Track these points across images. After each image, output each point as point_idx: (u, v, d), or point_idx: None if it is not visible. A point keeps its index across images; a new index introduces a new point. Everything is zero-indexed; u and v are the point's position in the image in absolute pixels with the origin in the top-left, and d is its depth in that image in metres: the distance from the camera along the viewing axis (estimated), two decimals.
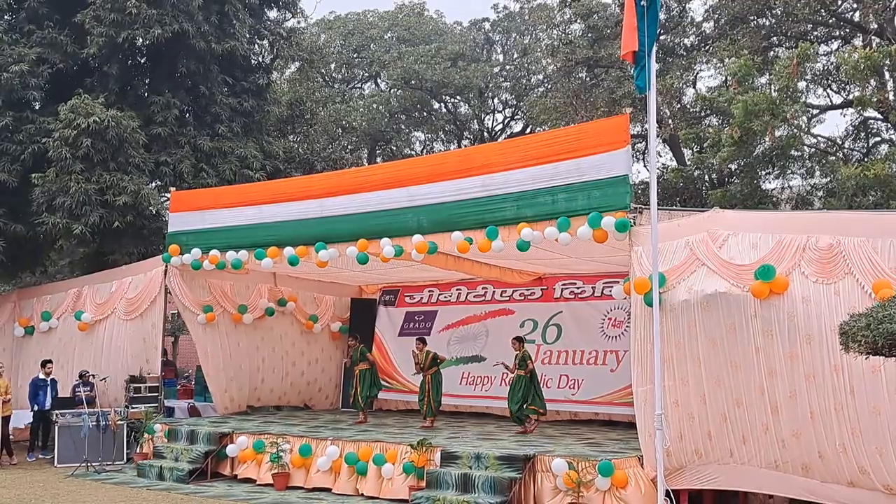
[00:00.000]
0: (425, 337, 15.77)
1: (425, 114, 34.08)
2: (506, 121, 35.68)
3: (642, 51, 8.88)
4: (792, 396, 9.04)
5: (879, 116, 21.35)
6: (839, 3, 21.89)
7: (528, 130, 32.53)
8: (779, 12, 22.26)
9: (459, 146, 34.00)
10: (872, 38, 21.09)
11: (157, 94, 19.92)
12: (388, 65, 32.24)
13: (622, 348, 14.66)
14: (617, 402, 14.62)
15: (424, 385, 14.49)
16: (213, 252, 14.91)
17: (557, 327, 16.19)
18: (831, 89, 23.15)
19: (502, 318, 16.97)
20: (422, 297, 18.49)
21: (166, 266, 15.77)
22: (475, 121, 35.26)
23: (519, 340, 13.90)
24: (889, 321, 6.30)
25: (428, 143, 35.67)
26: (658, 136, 24.45)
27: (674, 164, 25.87)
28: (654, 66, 8.72)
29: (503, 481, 10.39)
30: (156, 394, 15.72)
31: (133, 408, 15.26)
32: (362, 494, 11.79)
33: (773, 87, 19.72)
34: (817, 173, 21.42)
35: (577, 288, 16.24)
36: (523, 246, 11.60)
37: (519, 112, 34.57)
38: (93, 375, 15.61)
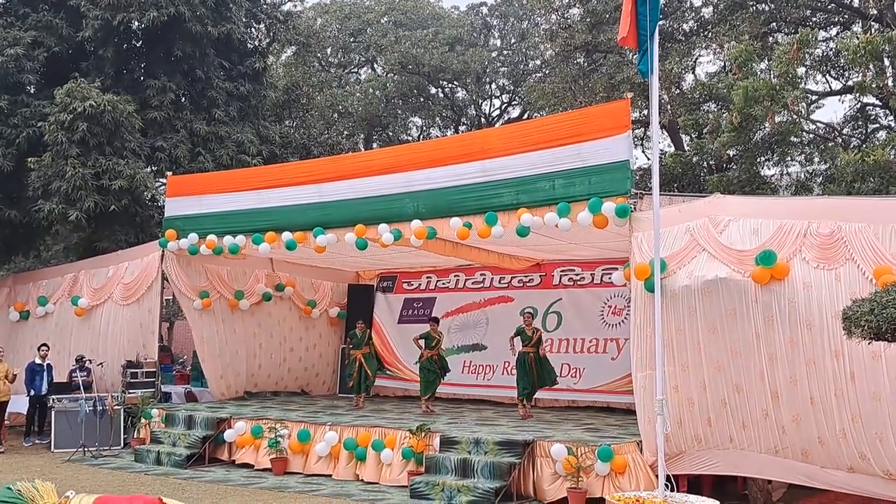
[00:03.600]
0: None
1: (422, 99, 33.93)
2: (503, 106, 35.56)
3: (644, 34, 8.84)
4: (792, 382, 9.07)
5: (878, 103, 21.33)
6: None
7: (526, 116, 32.40)
8: None
9: (456, 132, 33.89)
10: (872, 23, 21.05)
11: (153, 77, 19.86)
12: (385, 49, 32.09)
13: (622, 336, 14.69)
14: (617, 390, 14.66)
15: (433, 364, 14.54)
16: (210, 237, 14.88)
17: (557, 315, 16.21)
18: (830, 75, 23.11)
19: (502, 306, 17.01)
20: (420, 284, 18.49)
21: (163, 251, 15.75)
22: (472, 106, 35.13)
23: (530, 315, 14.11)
24: (893, 306, 6.31)
25: (425, 128, 35.55)
26: (658, 122, 24.35)
27: (672, 149, 25.81)
28: (657, 50, 8.68)
29: (502, 466, 10.42)
30: (152, 379, 15.73)
31: (130, 393, 15.26)
32: (362, 480, 11.82)
33: (772, 72, 19.66)
34: (816, 159, 21.39)
35: (576, 274, 16.26)
36: (523, 231, 11.60)
37: (516, 97, 34.42)
38: (89, 360, 15.60)
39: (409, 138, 34.35)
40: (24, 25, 19.10)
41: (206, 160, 19.74)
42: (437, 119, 35.03)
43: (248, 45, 22.79)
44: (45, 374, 15.35)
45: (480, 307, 17.41)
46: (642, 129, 26.02)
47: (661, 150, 25.86)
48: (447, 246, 13.90)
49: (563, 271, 16.48)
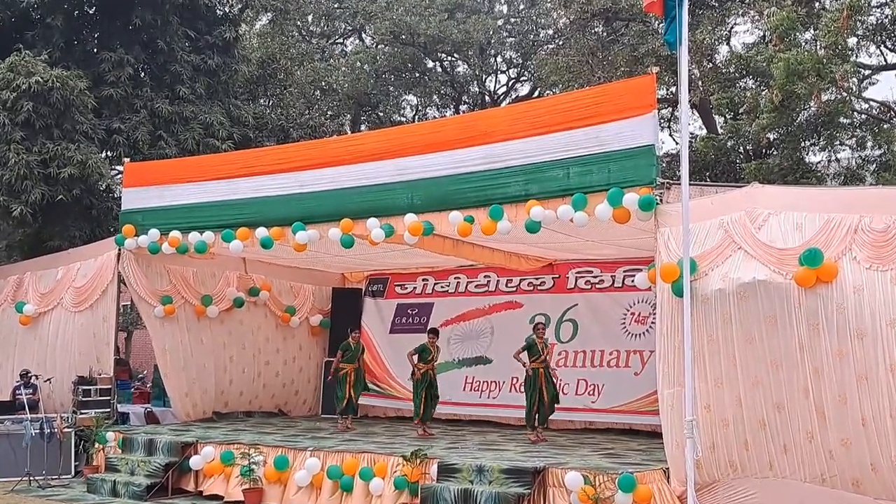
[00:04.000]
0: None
1: (417, 74, 33.95)
2: (510, 82, 35.61)
3: (672, 0, 8.85)
4: (841, 400, 9.07)
5: None
6: None
7: (537, 94, 32.44)
8: None
9: (457, 111, 33.93)
10: None
11: (107, 49, 19.85)
12: (375, 16, 32.08)
13: (647, 348, 14.66)
14: (641, 410, 14.66)
15: (427, 381, 14.56)
16: (174, 233, 14.88)
17: (573, 323, 16.20)
18: (885, 46, 23.14)
19: (509, 313, 17.01)
20: (415, 287, 18.50)
21: (120, 249, 15.74)
22: (475, 82, 35.17)
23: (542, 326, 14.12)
24: None
25: (420, 108, 35.59)
26: (687, 101, 24.43)
27: (704, 132, 25.90)
28: (686, 18, 8.69)
29: (509, 498, 10.41)
30: (108, 397, 15.69)
31: (82, 413, 15.24)
32: None
33: (819, 43, 19.70)
34: (869, 144, 21.42)
35: (594, 276, 16.27)
36: (533, 227, 11.59)
37: (525, 72, 34.47)
38: (36, 376, 15.57)
39: (403, 119, 34.37)
40: None
41: (168, 144, 19.75)
42: (435, 97, 35.05)
43: (217, 11, 22.80)
44: None
45: (485, 314, 17.40)
46: (670, 109, 26.07)
47: (691, 134, 25.93)
48: (446, 244, 13.90)
49: (578, 273, 16.48)
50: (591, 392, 15.54)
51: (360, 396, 15.78)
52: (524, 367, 13.72)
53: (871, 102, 22.69)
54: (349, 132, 31.02)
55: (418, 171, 12.60)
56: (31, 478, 13.95)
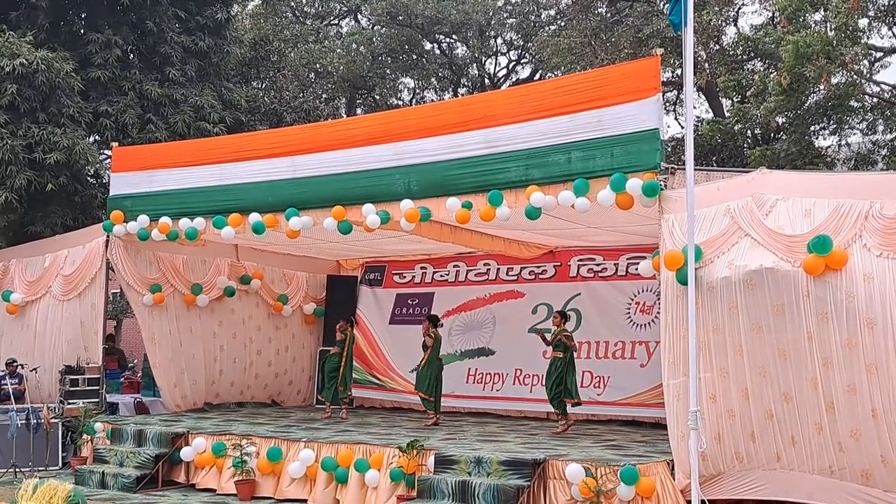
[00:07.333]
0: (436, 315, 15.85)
1: (415, 56, 33.91)
2: (511, 65, 35.57)
3: None
4: (850, 391, 9.08)
5: None
6: None
7: (538, 76, 32.41)
8: None
9: (455, 95, 33.88)
10: None
11: (95, 30, 19.78)
12: None
13: (653, 338, 14.65)
14: (648, 402, 14.67)
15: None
16: (164, 219, 14.86)
17: (576, 313, 16.15)
18: None
19: (511, 302, 16.99)
20: (414, 276, 18.49)
21: (108, 236, 15.74)
22: (474, 65, 35.11)
23: (560, 315, 13.99)
24: None
25: (418, 91, 35.55)
26: (693, 84, 24.42)
27: (710, 116, 25.87)
28: None
29: (508, 490, 10.43)
30: (96, 387, 15.71)
31: (69, 404, 15.26)
32: None
33: (828, 25, 19.69)
34: (880, 128, 21.42)
35: (597, 264, 16.26)
36: (533, 213, 11.58)
37: (526, 54, 34.43)
38: (21, 365, 15.60)
39: (400, 102, 34.33)
40: None
41: (158, 128, 19.71)
42: (433, 80, 35.01)
43: None
44: None
45: (486, 304, 17.37)
46: (675, 92, 26.03)
47: (696, 117, 25.91)
48: (444, 230, 13.91)
49: (581, 260, 16.47)
50: (597, 385, 15.53)
51: (334, 387, 15.85)
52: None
53: (883, 85, 22.68)
54: (344, 116, 30.98)
55: (415, 156, 12.57)
56: (17, 469, 13.99)
